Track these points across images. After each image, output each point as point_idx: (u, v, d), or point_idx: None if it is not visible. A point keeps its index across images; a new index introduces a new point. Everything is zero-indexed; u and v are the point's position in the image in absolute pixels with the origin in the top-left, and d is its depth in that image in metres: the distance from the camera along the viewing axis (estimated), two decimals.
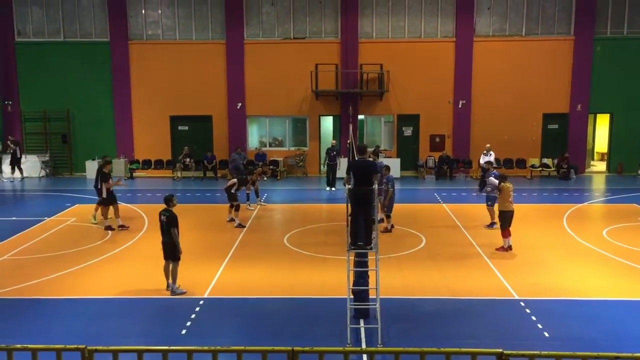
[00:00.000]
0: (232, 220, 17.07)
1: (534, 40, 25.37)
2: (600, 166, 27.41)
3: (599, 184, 24.33)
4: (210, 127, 26.42)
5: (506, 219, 13.97)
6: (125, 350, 5.25)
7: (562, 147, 25.61)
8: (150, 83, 25.95)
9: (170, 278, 11.34)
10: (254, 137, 27.20)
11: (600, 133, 28.20)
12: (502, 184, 14.14)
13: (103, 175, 16.24)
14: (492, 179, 15.32)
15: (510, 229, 14.02)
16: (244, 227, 16.72)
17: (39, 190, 23.34)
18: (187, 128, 26.68)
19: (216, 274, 12.59)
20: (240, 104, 25.94)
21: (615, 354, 5.53)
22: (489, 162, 17.80)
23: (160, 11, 26.00)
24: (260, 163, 22.76)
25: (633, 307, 10.73)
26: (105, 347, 5.26)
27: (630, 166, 25.42)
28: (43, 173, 25.99)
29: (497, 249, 14.07)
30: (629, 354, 5.57)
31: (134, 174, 25.49)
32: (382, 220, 15.69)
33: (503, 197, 14.02)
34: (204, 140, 26.42)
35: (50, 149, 26.48)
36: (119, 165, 25.84)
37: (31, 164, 25.98)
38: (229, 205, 17.23)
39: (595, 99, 25.38)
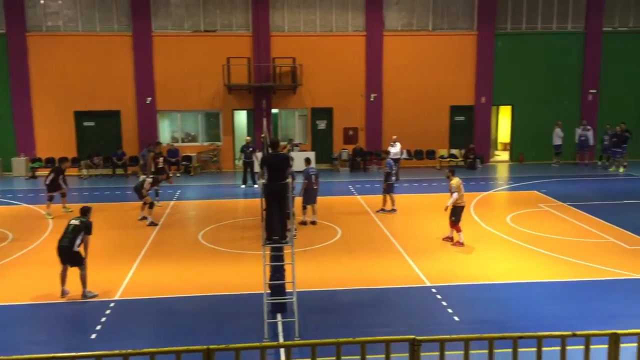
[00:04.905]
0: (144, 218, 16.57)
1: (440, 35, 26.20)
2: (503, 156, 28.78)
3: (502, 172, 25.59)
4: (119, 122, 25.46)
5: (458, 213, 14.03)
6: (27, 359, 4.95)
7: (469, 138, 26.67)
8: (52, 77, 24.63)
9: (80, 283, 10.89)
10: (166, 132, 26.48)
11: (503, 124, 29.61)
12: (453, 179, 14.01)
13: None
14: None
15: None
16: (157, 225, 16.26)
17: None
18: (93, 124, 25.56)
19: (127, 274, 12.18)
20: (149, 98, 25.16)
21: (519, 334, 5.81)
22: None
23: (60, 1, 24.71)
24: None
25: (536, 288, 11.35)
26: (6, 357, 4.94)
27: (531, 155, 26.86)
28: None
29: (453, 244, 14.08)
30: (532, 333, 5.87)
31: (36, 173, 24.10)
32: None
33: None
34: (112, 136, 25.41)
35: None
36: (18, 164, 24.45)
37: None
38: (141, 203, 16.74)
39: (498, 91, 26.59)
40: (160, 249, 14.16)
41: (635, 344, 5.80)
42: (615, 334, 5.74)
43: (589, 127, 25.71)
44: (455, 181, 13.90)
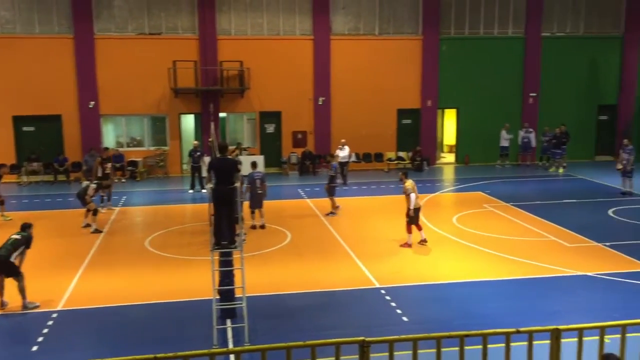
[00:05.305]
0: (88, 225, 16.13)
1: (386, 39, 26.51)
2: (449, 158, 29.36)
3: (448, 174, 26.10)
4: (60, 127, 24.69)
5: (416, 214, 14.10)
6: None
7: (416, 140, 27.09)
8: None
9: (19, 294, 10.54)
10: (110, 137, 25.83)
11: (448, 127, 30.20)
12: (406, 181, 14.20)
13: None
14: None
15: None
16: (101, 232, 15.86)
17: None
18: (33, 129, 24.69)
19: (71, 283, 11.82)
20: (92, 102, 24.48)
21: (465, 332, 5.93)
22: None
23: None
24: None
25: (482, 287, 11.63)
26: None
27: (476, 157, 27.51)
28: None
29: (402, 245, 14.17)
30: (477, 332, 6.00)
31: None
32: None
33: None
34: (53, 141, 24.59)
35: None
36: None
37: None
38: (85, 210, 16.29)
39: (443, 94, 27.10)
40: (105, 256, 13.80)
41: (576, 339, 6.01)
42: (557, 329, 5.94)
43: (531, 130, 26.52)
44: (409, 183, 14.14)
